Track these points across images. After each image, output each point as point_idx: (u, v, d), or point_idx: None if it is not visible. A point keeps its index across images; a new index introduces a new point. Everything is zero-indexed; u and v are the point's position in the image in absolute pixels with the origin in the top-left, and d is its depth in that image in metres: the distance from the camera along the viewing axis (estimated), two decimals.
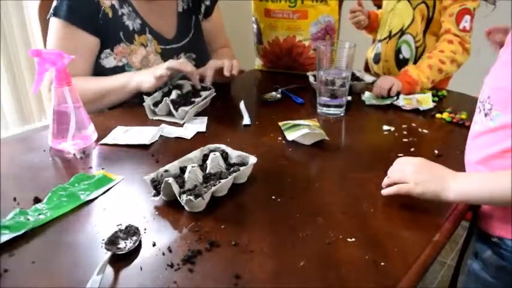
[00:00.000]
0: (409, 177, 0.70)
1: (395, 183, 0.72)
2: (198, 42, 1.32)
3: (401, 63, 1.40)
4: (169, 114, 1.06)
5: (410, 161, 0.74)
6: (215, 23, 1.38)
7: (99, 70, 1.15)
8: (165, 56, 1.21)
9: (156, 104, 1.06)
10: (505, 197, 0.63)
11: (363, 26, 1.53)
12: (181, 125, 1.03)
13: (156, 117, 1.06)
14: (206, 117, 1.07)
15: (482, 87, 0.77)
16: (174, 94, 1.08)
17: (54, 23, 1.09)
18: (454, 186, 0.67)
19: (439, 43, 1.32)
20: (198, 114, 1.09)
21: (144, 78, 1.07)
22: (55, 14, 1.08)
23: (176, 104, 1.05)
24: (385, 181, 0.74)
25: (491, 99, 0.73)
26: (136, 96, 1.10)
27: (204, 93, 1.12)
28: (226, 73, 1.16)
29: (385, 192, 0.73)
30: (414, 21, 1.37)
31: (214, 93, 1.15)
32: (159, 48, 1.20)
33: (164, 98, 1.05)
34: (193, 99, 1.08)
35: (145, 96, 1.06)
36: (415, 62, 1.37)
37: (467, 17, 1.29)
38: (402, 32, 1.40)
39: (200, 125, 1.03)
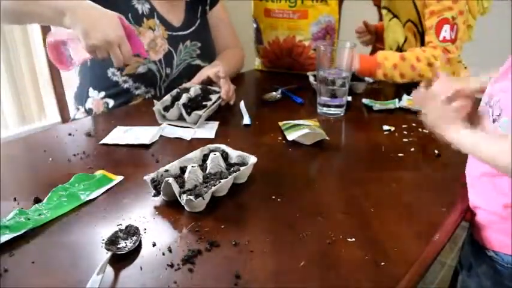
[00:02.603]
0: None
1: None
2: (204, 32, 1.33)
3: None
4: (180, 118, 1.03)
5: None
6: (218, 17, 1.38)
7: None
8: (172, 42, 1.23)
9: (166, 109, 1.03)
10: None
11: (370, 45, 1.54)
12: (184, 128, 1.00)
13: (166, 122, 1.03)
14: (217, 123, 1.04)
15: (488, 89, 0.70)
16: (184, 98, 1.04)
17: None
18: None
19: (424, 47, 1.29)
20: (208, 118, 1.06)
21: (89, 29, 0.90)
22: None
23: (188, 108, 1.02)
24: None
25: (501, 103, 0.65)
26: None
27: (214, 97, 1.10)
28: (224, 97, 1.11)
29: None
30: (407, 40, 1.37)
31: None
32: (166, 33, 1.22)
33: (176, 103, 1.02)
34: (204, 103, 1.06)
35: (155, 101, 1.03)
36: None
37: (447, 27, 1.24)
38: (400, 50, 1.40)
39: (210, 130, 1.00)
